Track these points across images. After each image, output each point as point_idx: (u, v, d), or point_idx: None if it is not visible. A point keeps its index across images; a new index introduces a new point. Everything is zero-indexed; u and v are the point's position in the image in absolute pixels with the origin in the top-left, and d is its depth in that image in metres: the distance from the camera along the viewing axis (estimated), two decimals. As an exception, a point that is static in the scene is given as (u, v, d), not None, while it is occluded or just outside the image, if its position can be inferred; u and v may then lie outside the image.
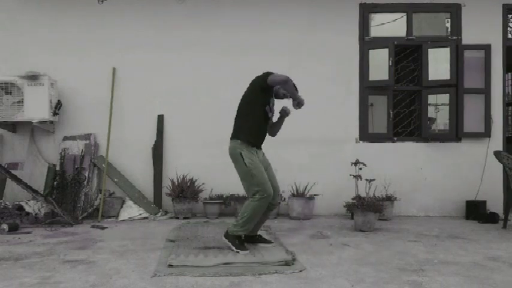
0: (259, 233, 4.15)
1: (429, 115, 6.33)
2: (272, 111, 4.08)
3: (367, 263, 3.50)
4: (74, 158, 5.94)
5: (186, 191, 5.75)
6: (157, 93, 6.19)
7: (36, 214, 5.30)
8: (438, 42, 6.25)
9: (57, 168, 5.91)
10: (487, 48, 6.15)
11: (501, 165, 5.42)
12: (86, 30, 6.18)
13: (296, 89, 3.96)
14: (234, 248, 3.77)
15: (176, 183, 5.82)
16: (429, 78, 6.20)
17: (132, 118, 6.17)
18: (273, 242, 4.07)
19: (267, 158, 4.12)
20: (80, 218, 5.59)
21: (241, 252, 3.71)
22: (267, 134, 4.17)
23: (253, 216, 3.80)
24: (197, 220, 5.65)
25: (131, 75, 6.19)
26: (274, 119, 4.20)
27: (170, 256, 3.57)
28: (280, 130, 4.27)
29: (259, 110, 3.96)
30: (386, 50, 6.13)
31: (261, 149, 4.09)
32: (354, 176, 5.12)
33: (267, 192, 3.78)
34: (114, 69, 6.16)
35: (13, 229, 4.80)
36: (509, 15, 6.44)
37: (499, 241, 4.43)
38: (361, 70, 6.24)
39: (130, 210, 5.87)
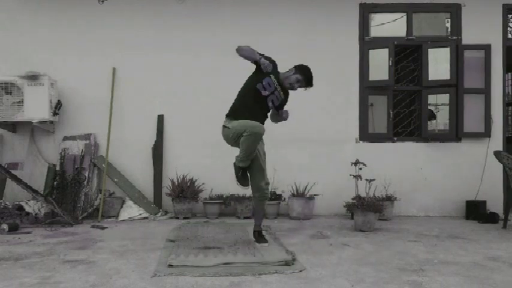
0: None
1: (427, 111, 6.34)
2: (267, 89, 3.99)
3: (367, 263, 3.50)
4: (74, 158, 5.94)
5: (186, 191, 5.75)
6: (157, 93, 6.19)
7: (36, 214, 5.30)
8: (438, 42, 6.25)
9: (57, 168, 5.91)
10: (487, 48, 6.15)
11: (501, 165, 5.41)
12: (86, 30, 6.18)
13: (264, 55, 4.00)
14: (236, 178, 3.99)
15: (176, 183, 5.82)
16: (429, 78, 6.20)
17: (132, 118, 6.17)
18: (267, 242, 4.11)
19: (263, 148, 4.14)
20: (80, 218, 5.59)
21: (239, 185, 3.98)
22: (272, 121, 4.28)
23: (248, 151, 3.87)
24: (197, 220, 5.65)
25: (131, 75, 6.18)
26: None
27: (170, 256, 3.57)
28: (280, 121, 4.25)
29: (250, 88, 4.00)
30: (386, 50, 6.13)
31: None
32: (354, 176, 5.12)
33: (253, 129, 3.79)
34: (114, 69, 6.16)
35: (13, 229, 4.80)
36: (509, 15, 6.44)
37: (499, 241, 4.43)
38: (361, 70, 6.24)
39: (130, 210, 5.87)
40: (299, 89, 4.14)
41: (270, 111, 4.15)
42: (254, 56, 3.93)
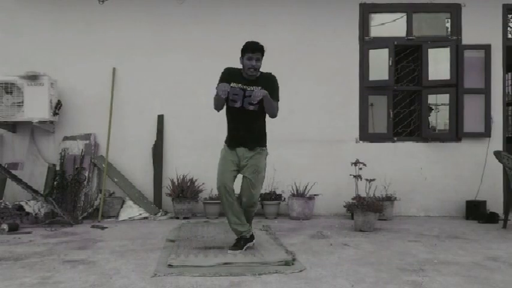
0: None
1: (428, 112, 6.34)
2: (237, 100, 3.71)
3: (367, 263, 3.50)
4: (74, 158, 5.94)
5: (186, 191, 5.75)
6: (157, 93, 6.19)
7: (36, 214, 5.30)
8: (438, 42, 6.25)
9: (57, 168, 5.90)
10: (487, 48, 6.15)
11: (501, 165, 5.42)
12: (86, 30, 6.18)
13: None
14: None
15: (176, 183, 5.82)
16: (429, 78, 6.19)
17: (132, 118, 6.17)
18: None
19: (254, 161, 3.80)
20: (80, 218, 5.59)
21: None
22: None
23: (225, 213, 3.87)
24: (197, 220, 5.65)
25: (131, 75, 6.19)
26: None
27: (170, 256, 3.57)
28: (274, 111, 3.77)
29: (226, 108, 3.86)
30: (387, 50, 6.13)
31: (246, 148, 3.81)
32: (354, 176, 5.13)
33: (218, 183, 3.76)
34: (114, 69, 6.16)
35: (13, 229, 4.80)
36: (509, 15, 6.44)
37: (499, 241, 4.43)
38: (361, 70, 6.23)
39: (130, 210, 5.87)
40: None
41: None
42: (218, 102, 3.74)
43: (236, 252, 3.71)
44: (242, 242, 3.82)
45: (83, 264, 3.43)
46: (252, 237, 3.93)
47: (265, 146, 3.96)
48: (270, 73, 3.90)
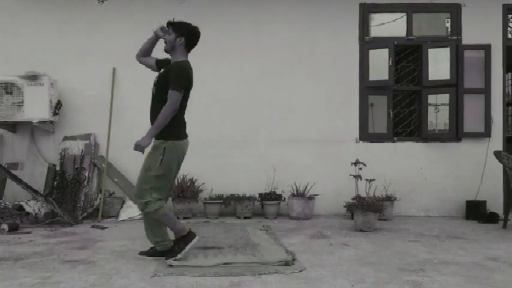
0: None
1: (429, 116, 6.32)
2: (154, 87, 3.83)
3: (367, 263, 3.50)
4: (74, 158, 5.94)
5: (186, 191, 5.75)
6: (157, 93, 6.18)
7: (36, 214, 5.30)
8: (438, 42, 6.25)
9: (57, 168, 5.90)
10: (487, 48, 6.15)
11: (501, 165, 5.42)
12: (86, 30, 6.18)
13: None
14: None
15: (176, 183, 5.81)
16: (429, 78, 6.20)
17: (132, 118, 6.16)
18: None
19: (146, 159, 3.91)
20: (80, 218, 5.59)
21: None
22: None
23: None
24: (197, 220, 5.65)
25: (131, 75, 6.18)
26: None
27: (170, 256, 3.57)
28: (165, 119, 3.79)
29: None
30: (387, 50, 6.13)
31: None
32: (354, 176, 5.13)
33: None
34: (114, 69, 6.16)
35: (13, 229, 4.80)
36: (509, 15, 6.44)
37: (499, 241, 4.43)
38: (361, 70, 6.23)
39: (130, 210, 5.87)
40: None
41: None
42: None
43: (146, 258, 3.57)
44: (152, 251, 3.67)
45: (83, 264, 3.43)
46: (167, 252, 3.55)
47: (165, 139, 3.74)
48: (175, 62, 3.82)
